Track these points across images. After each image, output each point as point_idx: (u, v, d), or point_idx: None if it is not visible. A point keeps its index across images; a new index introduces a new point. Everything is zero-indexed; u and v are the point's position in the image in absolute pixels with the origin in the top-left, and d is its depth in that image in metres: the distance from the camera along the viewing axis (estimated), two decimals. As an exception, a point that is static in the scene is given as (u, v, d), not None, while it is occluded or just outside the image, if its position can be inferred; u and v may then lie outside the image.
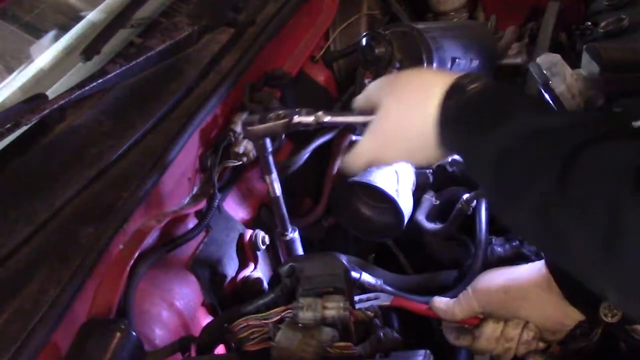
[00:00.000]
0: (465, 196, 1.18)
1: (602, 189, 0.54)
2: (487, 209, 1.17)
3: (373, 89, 0.83)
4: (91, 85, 1.03)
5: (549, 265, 0.87)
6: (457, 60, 1.26)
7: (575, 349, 0.91)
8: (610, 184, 0.54)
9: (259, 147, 1.01)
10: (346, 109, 1.33)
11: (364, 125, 0.83)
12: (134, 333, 0.82)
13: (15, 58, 1.29)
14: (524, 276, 0.89)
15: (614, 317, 0.82)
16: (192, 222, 1.07)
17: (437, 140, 0.74)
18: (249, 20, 1.29)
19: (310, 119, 0.91)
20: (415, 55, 1.22)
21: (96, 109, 1.09)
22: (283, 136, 1.21)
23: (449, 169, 1.27)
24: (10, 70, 1.25)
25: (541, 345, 0.90)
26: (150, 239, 0.95)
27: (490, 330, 0.91)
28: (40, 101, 0.99)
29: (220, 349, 0.95)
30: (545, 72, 1.10)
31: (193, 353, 0.89)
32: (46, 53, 1.26)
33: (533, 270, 0.89)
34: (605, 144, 0.57)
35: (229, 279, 1.09)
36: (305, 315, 0.82)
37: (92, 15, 1.32)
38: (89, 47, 1.11)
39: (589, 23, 1.35)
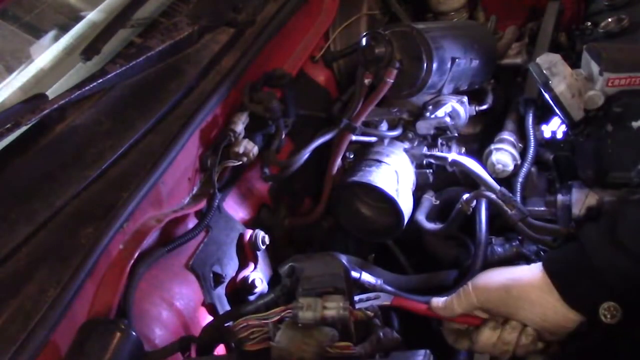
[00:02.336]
0: (465, 196, 1.18)
1: None
2: (487, 209, 1.17)
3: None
4: (91, 85, 1.03)
5: (546, 268, 0.87)
6: (457, 60, 1.26)
7: (574, 351, 0.91)
8: None
9: None
10: (346, 108, 1.35)
11: None
12: (134, 333, 0.82)
13: (15, 58, 1.29)
14: (525, 277, 0.90)
15: (614, 318, 0.82)
16: (192, 222, 1.07)
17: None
18: (249, 20, 1.29)
19: None
20: (415, 55, 1.22)
21: (96, 109, 1.09)
22: (283, 136, 1.22)
23: (449, 169, 1.27)
24: (10, 70, 1.25)
25: (540, 345, 0.90)
26: (150, 239, 0.95)
27: (486, 337, 0.92)
28: (40, 101, 0.99)
29: (220, 349, 0.95)
30: (545, 72, 1.10)
31: (193, 353, 0.89)
32: (46, 53, 1.27)
33: (534, 271, 0.89)
34: None
35: (228, 279, 1.09)
36: (305, 315, 0.82)
37: (92, 15, 1.32)
38: (89, 47, 1.11)
39: (589, 23, 1.35)
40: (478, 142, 1.39)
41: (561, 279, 0.86)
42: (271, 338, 0.83)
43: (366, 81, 1.25)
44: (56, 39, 1.30)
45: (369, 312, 0.88)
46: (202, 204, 1.07)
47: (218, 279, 1.06)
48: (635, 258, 0.80)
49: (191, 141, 1.06)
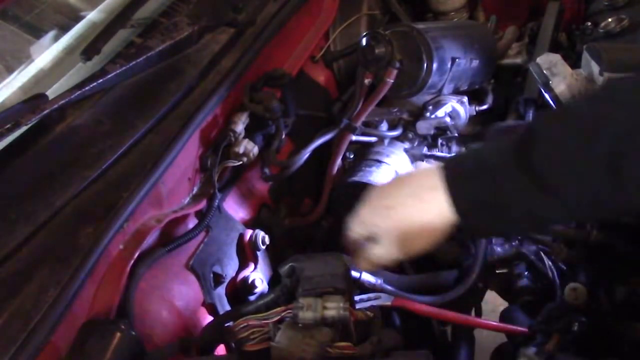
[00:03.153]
0: (465, 196, 1.18)
1: None
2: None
3: (366, 222, 0.86)
4: (91, 85, 1.03)
5: (444, 167, 0.82)
6: (457, 60, 1.26)
7: (571, 348, 0.91)
8: None
9: None
10: (346, 108, 1.35)
11: None
12: (134, 333, 0.82)
13: (15, 58, 1.29)
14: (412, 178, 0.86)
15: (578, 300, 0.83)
16: (192, 222, 1.07)
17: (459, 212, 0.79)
18: (249, 20, 1.29)
19: None
20: (415, 55, 1.22)
21: (96, 109, 1.09)
22: (283, 136, 1.22)
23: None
24: (10, 70, 1.25)
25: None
26: (150, 239, 0.95)
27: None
28: (40, 101, 0.99)
29: (220, 349, 0.95)
30: (545, 72, 1.10)
31: (193, 353, 0.89)
32: (46, 53, 1.27)
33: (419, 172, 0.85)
34: None
35: (229, 279, 1.09)
36: (305, 316, 0.82)
37: (92, 15, 1.32)
38: (89, 47, 1.11)
39: (589, 23, 1.35)
40: (478, 142, 1.39)
41: (453, 178, 0.80)
42: (271, 338, 0.83)
43: (366, 81, 1.25)
44: (56, 39, 1.30)
45: (369, 312, 0.88)
46: (202, 204, 1.07)
47: (218, 279, 1.06)
48: (551, 191, 0.73)
49: (191, 141, 1.06)
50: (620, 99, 0.71)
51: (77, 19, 1.33)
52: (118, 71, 1.07)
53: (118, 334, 0.80)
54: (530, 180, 0.73)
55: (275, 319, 0.85)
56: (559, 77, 1.09)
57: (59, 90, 1.05)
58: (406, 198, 0.83)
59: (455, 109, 1.31)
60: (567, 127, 0.74)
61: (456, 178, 0.80)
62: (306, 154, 1.21)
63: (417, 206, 0.82)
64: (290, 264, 0.92)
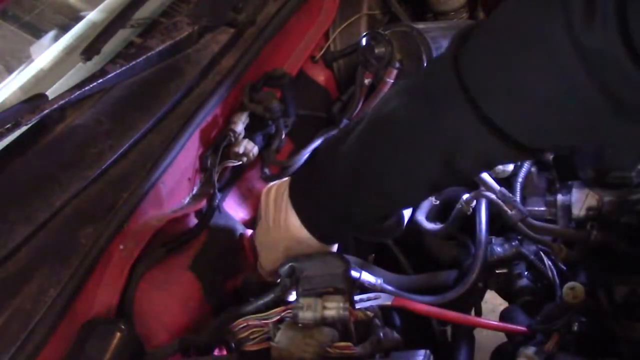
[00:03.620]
0: (465, 196, 1.18)
1: None
2: (487, 209, 1.17)
3: (274, 267, 0.98)
4: (91, 85, 1.03)
5: (290, 186, 0.92)
6: (457, 60, 1.26)
7: (571, 348, 0.91)
8: None
9: None
10: (346, 108, 1.35)
11: None
12: (134, 333, 0.82)
13: (15, 58, 1.29)
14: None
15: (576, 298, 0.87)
16: (192, 222, 1.07)
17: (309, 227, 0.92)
18: (249, 20, 1.29)
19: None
20: (415, 55, 1.22)
21: (96, 109, 1.09)
22: (283, 136, 1.22)
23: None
24: (10, 70, 1.25)
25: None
26: (150, 239, 0.95)
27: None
28: (40, 101, 0.99)
29: (220, 349, 0.95)
30: (545, 72, 1.10)
31: (193, 353, 0.89)
32: (46, 53, 1.26)
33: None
34: None
35: (229, 279, 1.09)
36: (305, 316, 0.83)
37: (92, 15, 1.32)
38: (89, 47, 1.11)
39: (589, 23, 1.35)
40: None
41: (300, 198, 0.91)
42: (271, 338, 0.83)
43: (366, 81, 1.25)
44: (56, 39, 1.30)
45: (369, 312, 0.88)
46: (202, 204, 1.07)
47: (218, 278, 1.06)
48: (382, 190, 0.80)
49: (191, 141, 1.06)
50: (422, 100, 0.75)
51: (77, 19, 1.33)
52: (118, 71, 1.07)
53: (118, 334, 0.80)
54: (357, 180, 0.82)
55: (275, 319, 0.85)
56: (559, 77, 1.09)
57: (59, 90, 1.05)
58: (286, 244, 0.95)
59: (455, 109, 1.31)
60: (389, 134, 0.80)
61: (305, 218, 0.91)
62: (306, 154, 1.21)
63: (298, 243, 0.94)
64: (290, 264, 0.92)
